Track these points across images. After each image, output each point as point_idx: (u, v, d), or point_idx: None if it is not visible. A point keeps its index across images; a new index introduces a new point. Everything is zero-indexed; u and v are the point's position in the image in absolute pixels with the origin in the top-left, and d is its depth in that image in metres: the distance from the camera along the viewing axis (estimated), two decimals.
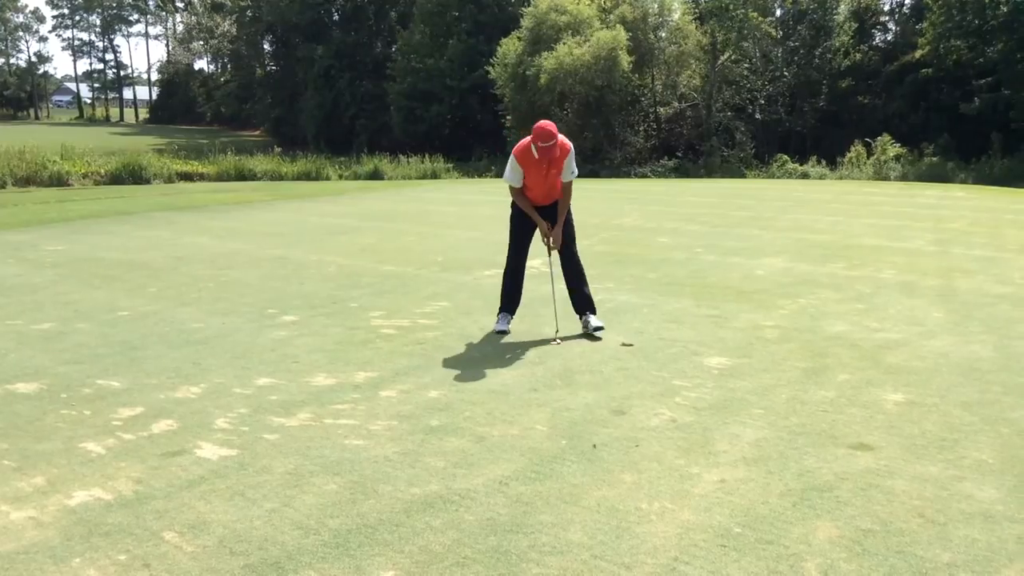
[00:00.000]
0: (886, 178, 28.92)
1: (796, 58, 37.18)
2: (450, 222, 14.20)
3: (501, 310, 6.60)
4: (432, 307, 7.37)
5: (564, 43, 34.64)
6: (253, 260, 10.03)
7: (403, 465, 3.90)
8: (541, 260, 9.34)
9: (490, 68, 37.77)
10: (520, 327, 6.55)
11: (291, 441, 4.23)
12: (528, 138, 6.10)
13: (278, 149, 35.92)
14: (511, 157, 6.24)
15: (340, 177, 30.80)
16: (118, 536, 3.23)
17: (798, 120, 36.86)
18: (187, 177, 28.92)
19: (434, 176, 32.14)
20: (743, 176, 31.46)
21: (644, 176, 32.53)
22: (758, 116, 36.75)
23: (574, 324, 6.46)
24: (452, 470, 3.84)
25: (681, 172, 33.40)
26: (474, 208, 17.13)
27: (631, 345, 6.00)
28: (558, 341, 6.12)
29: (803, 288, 8.04)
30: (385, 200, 19.48)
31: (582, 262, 6.51)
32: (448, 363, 5.60)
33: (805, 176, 30.57)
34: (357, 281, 8.61)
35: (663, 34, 37.08)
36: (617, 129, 36.24)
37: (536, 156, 6.04)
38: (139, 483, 3.73)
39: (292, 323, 6.82)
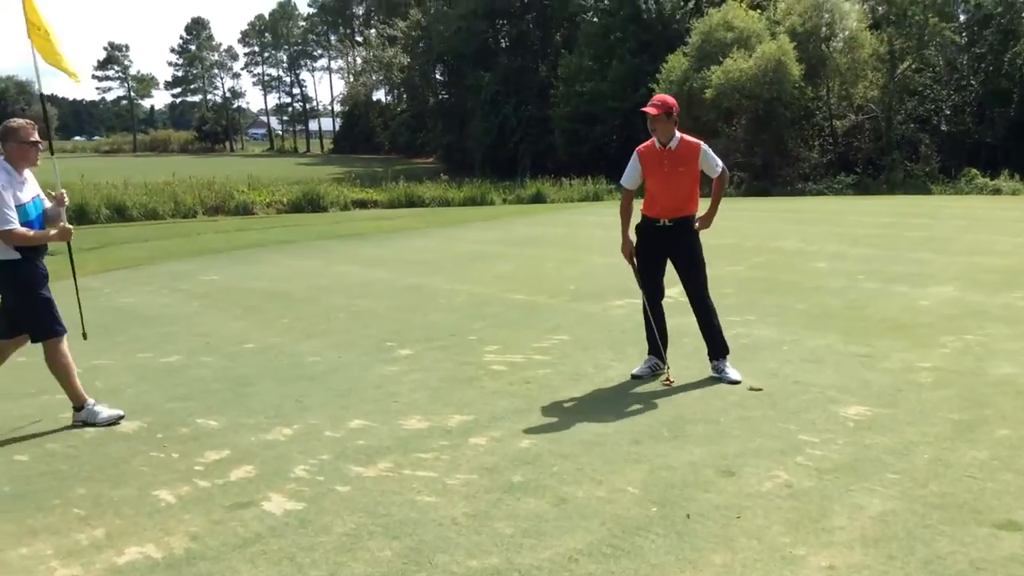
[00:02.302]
0: None
1: (983, 65, 34.20)
2: (593, 246, 13.75)
3: (648, 351, 5.98)
4: (551, 341, 6.98)
5: (731, 58, 33.55)
6: (388, 289, 10.01)
7: (469, 530, 3.53)
8: (679, 288, 8.84)
9: (655, 86, 37.07)
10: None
11: (362, 495, 3.95)
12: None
13: (444, 177, 36.70)
14: (633, 154, 5.78)
15: (504, 201, 31.01)
16: None
17: (988, 131, 33.84)
18: (361, 204, 29.93)
19: (596, 197, 31.78)
20: (928, 192, 29.17)
21: (820, 193, 30.82)
22: (944, 127, 34.04)
23: (698, 363, 5.90)
24: (520, 539, 3.43)
25: (860, 188, 31.37)
26: None
27: (759, 390, 5.38)
28: (671, 381, 5.59)
29: (971, 322, 7.06)
30: (535, 225, 19.30)
31: (710, 295, 5.84)
32: (550, 407, 5.20)
33: (997, 191, 27.97)
34: (483, 311, 8.35)
35: (837, 44, 35.08)
36: (789, 144, 34.62)
37: (658, 149, 5.61)
38: (194, 540, 3.55)
39: (405, 357, 6.63)
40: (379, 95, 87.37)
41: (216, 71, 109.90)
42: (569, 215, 22.25)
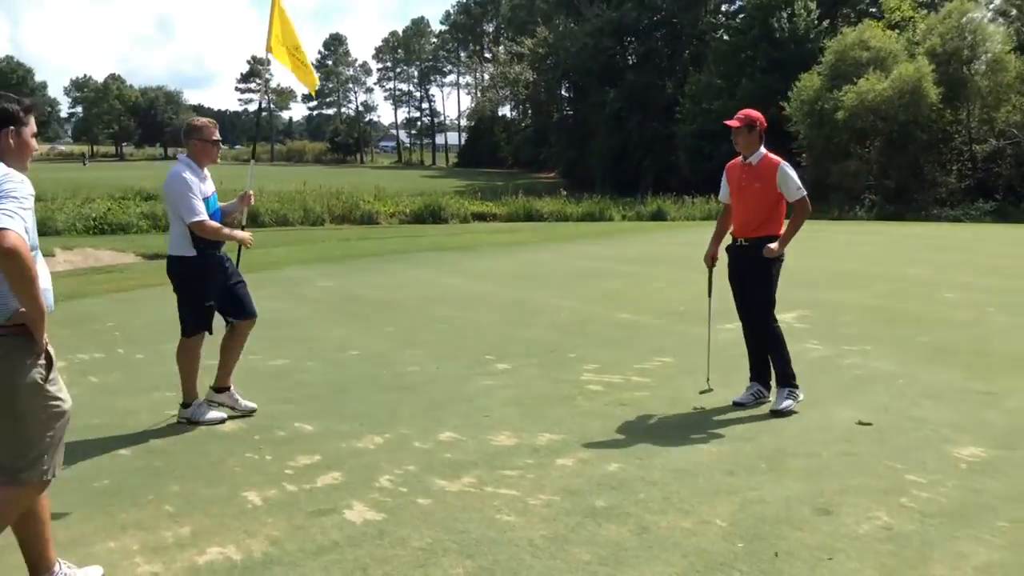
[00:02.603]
0: None
1: None
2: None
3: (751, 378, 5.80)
4: (653, 363, 6.81)
5: (866, 78, 32.39)
6: (494, 303, 10.02)
7: (545, 554, 3.44)
8: (796, 313, 8.50)
9: (785, 104, 36.11)
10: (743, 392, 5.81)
11: (442, 509, 3.91)
12: None
13: (564, 192, 36.70)
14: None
15: (623, 218, 30.72)
16: None
17: None
18: (481, 217, 30.18)
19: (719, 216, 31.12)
20: None
21: (956, 220, 29.30)
22: None
23: (806, 393, 5.62)
24: (596, 567, 3.32)
25: (1000, 216, 29.66)
26: None
27: (868, 425, 5.08)
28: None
29: None
30: (651, 242, 19.03)
31: (780, 331, 5.62)
32: (643, 431, 5.05)
33: None
34: (585, 329, 8.25)
35: (979, 67, 33.34)
36: (925, 168, 33.09)
37: (741, 164, 5.60)
38: (273, 544, 3.59)
39: (502, 371, 6.60)
40: (504, 110, 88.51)
41: (351, 85, 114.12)
42: (687, 234, 21.82)
